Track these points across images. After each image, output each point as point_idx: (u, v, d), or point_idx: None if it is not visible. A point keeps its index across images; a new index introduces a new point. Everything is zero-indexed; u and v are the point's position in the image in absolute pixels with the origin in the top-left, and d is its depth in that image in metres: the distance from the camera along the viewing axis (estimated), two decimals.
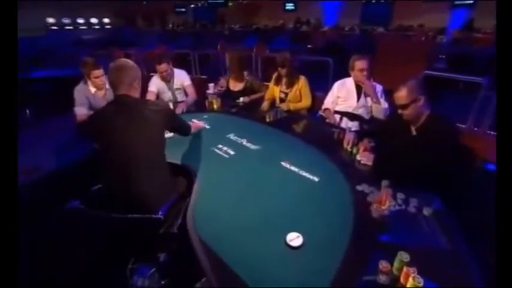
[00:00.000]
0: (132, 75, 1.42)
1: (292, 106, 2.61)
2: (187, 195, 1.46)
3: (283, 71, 2.60)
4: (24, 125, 4.29)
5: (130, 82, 1.41)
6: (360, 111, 2.39)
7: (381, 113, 2.25)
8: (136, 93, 1.46)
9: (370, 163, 1.62)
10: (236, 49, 3.04)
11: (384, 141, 1.84)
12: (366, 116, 2.39)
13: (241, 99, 2.89)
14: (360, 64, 2.33)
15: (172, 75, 2.84)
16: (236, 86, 2.99)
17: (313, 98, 2.69)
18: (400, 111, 1.59)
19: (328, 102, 2.53)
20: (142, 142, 1.36)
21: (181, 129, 1.77)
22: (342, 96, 2.46)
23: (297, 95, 2.64)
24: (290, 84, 2.65)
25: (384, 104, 2.26)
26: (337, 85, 2.51)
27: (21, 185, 2.75)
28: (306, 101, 2.64)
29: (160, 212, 1.29)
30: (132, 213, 1.25)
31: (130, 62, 1.48)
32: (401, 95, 1.55)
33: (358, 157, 1.70)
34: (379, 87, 2.33)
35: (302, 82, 2.63)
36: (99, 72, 2.43)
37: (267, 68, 2.71)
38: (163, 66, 2.71)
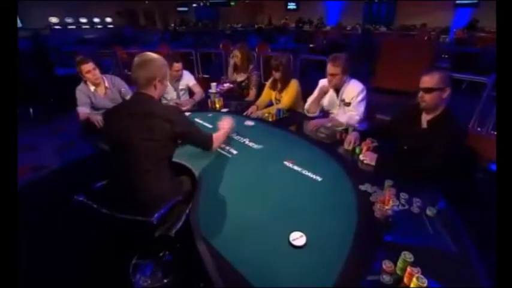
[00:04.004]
0: (151, 72, 1.33)
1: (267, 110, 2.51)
2: (191, 196, 1.43)
3: (277, 75, 2.55)
4: (28, 124, 4.33)
5: (149, 80, 1.34)
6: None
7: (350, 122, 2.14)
8: (154, 92, 1.38)
9: (373, 163, 1.62)
10: (242, 46, 3.06)
11: (392, 132, 1.82)
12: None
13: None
14: (327, 68, 2.15)
15: (182, 75, 2.91)
16: (240, 77, 3.12)
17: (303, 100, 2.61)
18: (421, 94, 1.55)
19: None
20: (144, 143, 1.32)
21: (194, 138, 1.54)
22: (325, 104, 2.37)
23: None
24: (283, 89, 2.61)
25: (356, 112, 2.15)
26: (320, 88, 2.36)
27: (28, 182, 2.78)
28: (284, 102, 2.54)
29: (155, 215, 1.22)
30: (131, 213, 1.22)
31: (155, 57, 1.37)
32: (432, 78, 1.50)
33: (361, 157, 1.70)
34: (359, 87, 2.16)
35: (291, 85, 2.57)
36: (88, 66, 2.41)
37: (269, 67, 2.69)
38: (179, 65, 2.79)
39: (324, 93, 2.28)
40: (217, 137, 1.71)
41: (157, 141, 1.33)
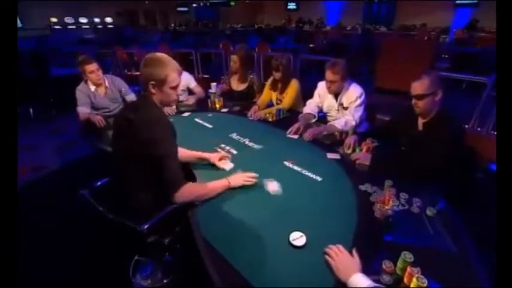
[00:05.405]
0: (146, 73, 1.25)
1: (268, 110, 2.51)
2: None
3: (277, 75, 2.54)
4: (28, 124, 4.33)
5: (144, 81, 1.26)
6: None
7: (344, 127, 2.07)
8: (157, 94, 1.29)
9: (367, 163, 1.62)
10: (241, 49, 2.91)
11: (391, 132, 1.82)
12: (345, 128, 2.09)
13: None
14: (326, 74, 2.12)
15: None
16: (239, 86, 2.99)
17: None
18: (413, 101, 1.54)
19: (311, 103, 2.39)
20: (130, 155, 1.27)
21: (163, 171, 1.23)
22: (325, 107, 2.37)
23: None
24: (284, 89, 2.60)
25: (353, 117, 2.12)
26: (319, 92, 2.38)
27: (28, 182, 2.78)
28: (285, 103, 2.56)
29: (146, 224, 1.20)
30: (124, 216, 1.21)
31: (158, 58, 1.27)
32: (422, 84, 1.48)
33: (352, 157, 1.69)
34: (357, 92, 2.14)
35: (291, 85, 2.57)
36: (92, 66, 2.42)
37: (269, 67, 2.68)
38: None
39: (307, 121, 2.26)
40: (195, 188, 1.34)
41: (140, 157, 1.26)
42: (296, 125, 2.10)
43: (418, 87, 1.50)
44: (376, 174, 1.49)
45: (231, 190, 1.42)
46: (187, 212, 1.29)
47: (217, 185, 1.38)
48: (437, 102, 1.52)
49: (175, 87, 1.31)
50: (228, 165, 1.64)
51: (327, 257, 0.99)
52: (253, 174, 1.48)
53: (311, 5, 16.36)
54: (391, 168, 1.52)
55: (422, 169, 1.44)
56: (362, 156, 1.66)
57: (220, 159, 1.65)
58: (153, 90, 1.27)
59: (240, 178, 1.44)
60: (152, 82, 1.25)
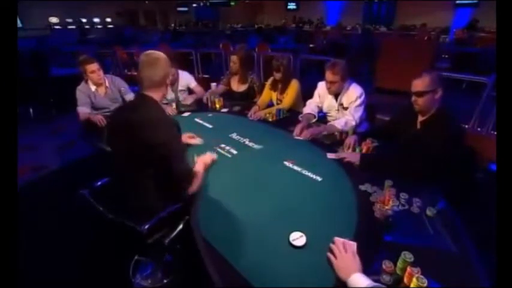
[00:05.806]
0: (164, 70, 1.29)
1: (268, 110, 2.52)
2: (192, 200, 1.37)
3: (277, 75, 2.54)
4: (28, 124, 4.33)
5: (164, 78, 1.30)
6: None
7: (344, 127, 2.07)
8: (158, 92, 1.31)
9: (357, 162, 1.61)
10: (241, 49, 2.91)
11: (391, 132, 1.83)
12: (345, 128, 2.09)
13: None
14: (326, 75, 2.13)
15: (177, 79, 2.86)
16: (240, 87, 2.98)
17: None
18: (413, 98, 1.56)
19: (311, 103, 2.40)
20: (131, 155, 1.27)
21: (173, 167, 1.27)
22: (325, 107, 2.37)
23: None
24: (284, 89, 2.60)
25: (352, 117, 2.13)
26: (319, 92, 2.39)
27: (28, 182, 2.78)
28: (285, 103, 2.56)
29: (146, 225, 1.21)
30: (124, 216, 1.21)
31: (161, 55, 1.31)
32: (423, 81, 1.51)
33: (340, 155, 1.69)
34: (357, 92, 2.13)
35: (292, 85, 2.57)
36: (93, 66, 2.43)
37: (270, 67, 2.68)
38: (173, 70, 2.73)
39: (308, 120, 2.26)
40: (199, 176, 1.41)
41: (141, 157, 1.26)
42: (300, 126, 2.09)
43: (418, 84, 1.53)
44: (376, 174, 1.49)
45: (232, 190, 1.43)
46: (187, 212, 1.29)
47: (201, 167, 1.50)
48: (437, 100, 1.53)
49: None
50: (198, 140, 1.92)
51: (329, 254, 0.99)
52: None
53: (311, 5, 16.36)
54: (384, 167, 1.52)
55: (420, 166, 1.44)
56: (349, 155, 1.66)
57: (189, 138, 1.88)
58: (167, 84, 1.36)
59: (206, 157, 1.62)
60: (169, 76, 1.36)
